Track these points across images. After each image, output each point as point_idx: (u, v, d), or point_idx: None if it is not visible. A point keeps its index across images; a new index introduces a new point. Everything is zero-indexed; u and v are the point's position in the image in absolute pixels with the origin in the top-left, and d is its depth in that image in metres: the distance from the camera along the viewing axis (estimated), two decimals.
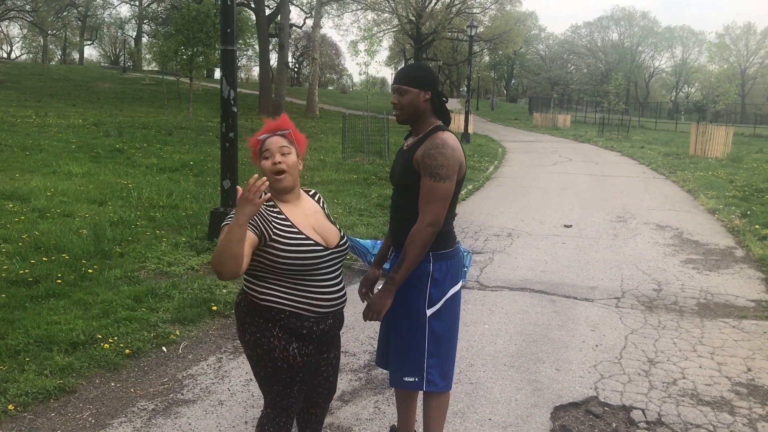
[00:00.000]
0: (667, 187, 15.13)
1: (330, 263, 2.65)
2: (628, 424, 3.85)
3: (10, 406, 3.76)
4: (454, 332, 3.11)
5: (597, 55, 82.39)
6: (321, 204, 2.86)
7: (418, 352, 2.99)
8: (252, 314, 2.61)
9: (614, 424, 3.85)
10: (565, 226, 9.96)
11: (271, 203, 2.63)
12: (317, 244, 2.58)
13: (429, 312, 2.97)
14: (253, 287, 2.61)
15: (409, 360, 3.01)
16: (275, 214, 2.58)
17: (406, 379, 3.04)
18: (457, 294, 3.08)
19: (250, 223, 2.45)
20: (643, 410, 4.01)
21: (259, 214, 2.51)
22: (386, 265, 3.64)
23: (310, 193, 2.88)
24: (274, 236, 2.51)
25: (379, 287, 2.95)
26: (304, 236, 2.56)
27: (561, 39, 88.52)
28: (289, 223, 2.57)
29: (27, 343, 4.56)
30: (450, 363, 3.10)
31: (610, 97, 40.02)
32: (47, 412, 3.81)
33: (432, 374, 3.02)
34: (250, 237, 2.44)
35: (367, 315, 2.90)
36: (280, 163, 2.61)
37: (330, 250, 2.63)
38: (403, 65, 67.69)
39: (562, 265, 7.60)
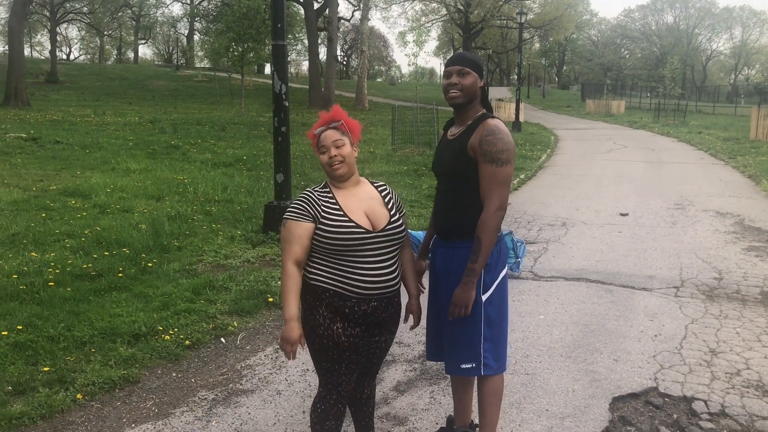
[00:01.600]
0: (726, 173, 14.67)
1: (375, 246, 2.74)
2: (690, 416, 3.76)
3: (79, 395, 3.90)
4: (505, 315, 3.14)
5: (651, 39, 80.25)
6: (383, 194, 2.92)
7: (475, 338, 3.01)
8: (304, 292, 2.78)
9: (675, 416, 3.77)
10: (621, 214, 9.77)
11: (326, 189, 2.82)
12: (359, 226, 2.71)
13: (484, 297, 2.99)
14: (306, 266, 2.79)
15: (466, 347, 3.03)
16: (327, 199, 2.78)
17: (464, 366, 3.05)
18: (505, 278, 3.11)
19: (304, 213, 2.72)
20: (705, 401, 3.92)
21: (311, 199, 2.75)
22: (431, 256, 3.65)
23: (376, 184, 2.96)
24: (322, 219, 2.71)
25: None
26: (347, 218, 2.71)
27: (613, 23, 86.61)
28: (338, 207, 2.74)
29: (92, 335, 4.71)
30: (503, 345, 3.13)
31: (665, 82, 39.01)
32: (113, 401, 3.93)
33: (488, 358, 3.04)
34: (307, 226, 2.71)
35: (454, 311, 2.90)
36: (335, 156, 2.78)
37: (373, 233, 2.73)
38: (452, 54, 67.43)
39: (619, 254, 7.46)
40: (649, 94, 53.42)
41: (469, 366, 3.05)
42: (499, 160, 2.85)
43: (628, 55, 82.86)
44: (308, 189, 2.84)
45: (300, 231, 2.70)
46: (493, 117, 2.98)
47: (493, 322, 3.03)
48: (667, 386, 4.13)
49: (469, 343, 3.02)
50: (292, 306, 2.68)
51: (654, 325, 5.21)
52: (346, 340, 2.76)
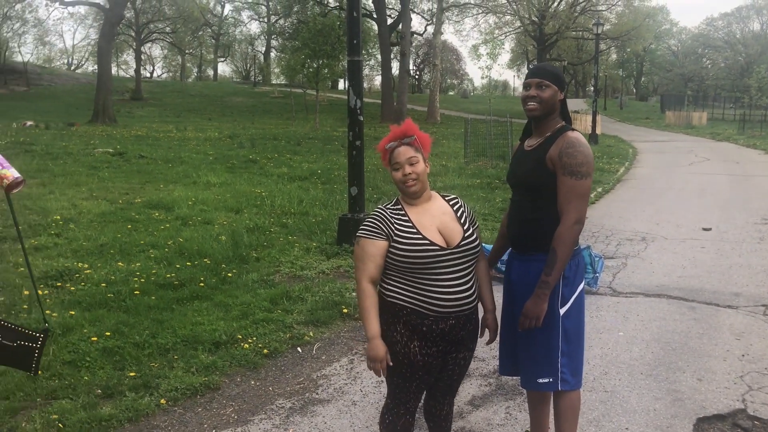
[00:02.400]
0: None
1: (450, 263, 2.71)
2: None
3: (162, 400, 4.05)
4: (582, 329, 3.09)
5: (736, 48, 77.18)
6: (456, 208, 2.90)
7: (552, 352, 2.97)
8: (382, 309, 2.76)
9: None
10: (704, 229, 9.42)
11: (399, 206, 2.81)
12: (433, 243, 2.69)
13: (562, 311, 2.95)
14: (383, 284, 2.79)
15: (543, 361, 2.99)
16: (399, 216, 2.76)
17: (540, 380, 3.01)
18: (582, 292, 3.06)
19: (377, 231, 2.72)
20: None
21: (384, 217, 2.74)
22: (500, 266, 3.64)
23: (448, 198, 2.94)
24: (395, 237, 2.70)
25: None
26: (421, 236, 2.69)
27: (695, 33, 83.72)
28: (411, 224, 2.73)
29: (175, 342, 4.88)
30: (580, 360, 3.08)
31: (751, 92, 37.53)
32: (194, 407, 4.06)
33: (565, 373, 2.99)
34: (381, 245, 2.71)
35: (525, 323, 2.88)
36: (409, 174, 2.76)
37: (448, 250, 2.70)
38: (526, 67, 66.50)
39: (702, 270, 7.20)
40: (732, 105, 51.38)
41: (546, 380, 3.01)
42: (579, 173, 2.81)
43: (710, 65, 79.95)
44: (380, 206, 2.83)
45: (373, 249, 2.70)
46: (573, 129, 2.95)
47: (570, 336, 2.99)
48: (757, 408, 3.95)
49: (547, 357, 2.98)
50: (374, 324, 2.69)
51: (741, 345, 5.00)
52: (421, 359, 2.75)
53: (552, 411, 3.26)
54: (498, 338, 3.22)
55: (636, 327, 5.43)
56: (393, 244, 2.69)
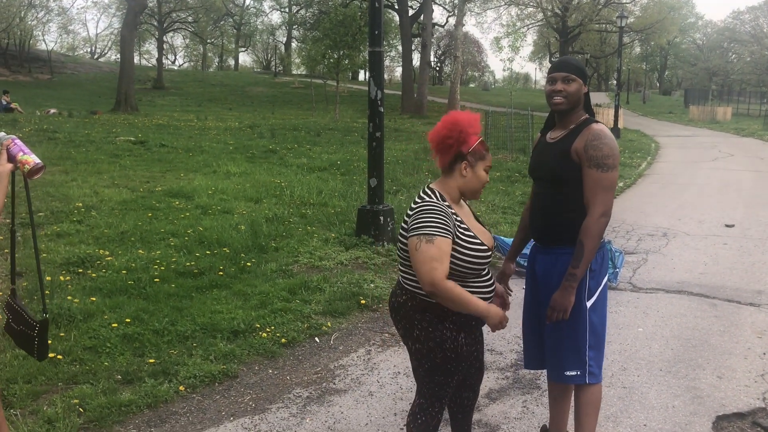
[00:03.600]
0: None
1: (488, 263, 2.74)
2: None
3: (181, 387, 4.08)
4: (605, 323, 3.10)
5: (762, 42, 75.86)
6: (470, 208, 2.92)
7: (581, 345, 2.98)
8: (423, 312, 2.67)
9: None
10: (727, 225, 9.31)
11: (447, 204, 2.67)
12: (483, 244, 2.67)
13: (588, 304, 2.96)
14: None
15: (571, 354, 2.99)
16: (455, 216, 2.65)
17: (568, 373, 3.01)
18: (605, 285, 3.06)
19: (450, 228, 2.57)
20: None
21: (448, 215, 2.60)
22: (519, 259, 3.63)
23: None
24: (457, 239, 2.60)
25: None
26: (479, 241, 2.65)
27: (721, 26, 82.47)
28: (466, 227, 2.66)
29: (194, 330, 4.92)
30: (603, 354, 3.09)
31: None
32: (213, 394, 4.09)
33: (592, 366, 3.00)
34: (449, 243, 2.56)
35: (553, 315, 2.88)
36: (487, 180, 2.79)
37: (491, 252, 2.71)
38: (548, 59, 65.95)
39: (724, 267, 7.12)
40: (759, 101, 50.60)
41: (573, 373, 3.01)
42: (605, 165, 2.80)
43: (735, 59, 78.72)
44: (436, 202, 2.63)
45: (448, 248, 2.55)
46: (597, 122, 2.93)
47: (596, 329, 3.00)
48: None
49: (575, 350, 2.98)
50: (479, 301, 2.61)
51: (762, 343, 4.94)
52: (466, 350, 2.73)
53: (572, 406, 3.25)
54: (522, 332, 3.23)
55: (656, 323, 5.38)
56: (454, 246, 2.58)
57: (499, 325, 2.67)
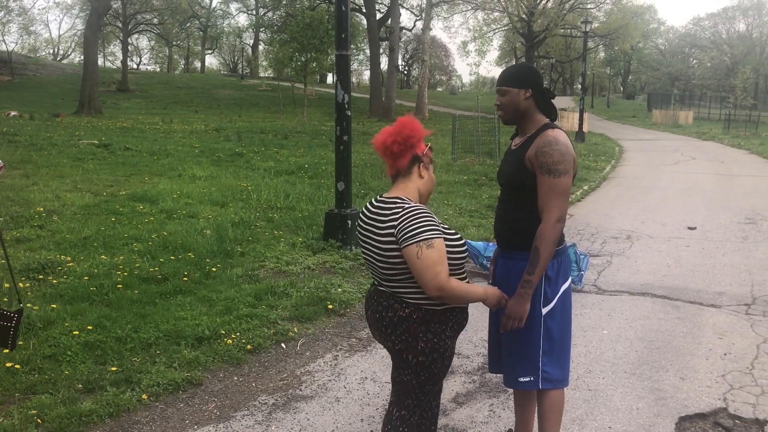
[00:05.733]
0: None
1: None
2: None
3: (144, 396, 4.01)
4: (568, 329, 3.09)
5: (722, 48, 77.62)
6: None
7: (533, 351, 2.98)
8: (428, 323, 2.63)
9: None
10: (689, 228, 9.48)
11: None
12: (461, 238, 2.69)
13: (544, 311, 2.95)
14: (425, 297, 2.62)
15: (525, 360, 3.00)
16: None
17: (522, 379, 3.02)
18: (568, 290, 3.05)
19: (438, 228, 2.56)
20: None
21: (434, 215, 2.62)
22: (485, 262, 3.65)
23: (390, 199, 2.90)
24: (445, 237, 2.59)
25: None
26: (459, 235, 2.68)
27: (682, 32, 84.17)
28: (447, 225, 2.69)
29: (157, 337, 4.83)
30: (565, 359, 3.08)
31: (736, 92, 37.81)
32: (176, 402, 4.02)
33: (547, 372, 3.00)
34: (444, 243, 2.55)
35: (508, 323, 2.86)
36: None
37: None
38: (513, 64, 66.62)
39: (686, 269, 7.24)
40: (719, 105, 51.73)
41: (527, 379, 3.01)
42: (557, 171, 2.81)
43: (696, 65, 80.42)
44: (417, 204, 2.62)
45: (445, 248, 2.54)
46: (554, 127, 2.93)
47: (553, 335, 2.99)
48: (738, 408, 3.97)
49: (528, 356, 2.98)
50: (477, 287, 2.69)
51: (723, 344, 5.03)
52: (454, 353, 2.79)
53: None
54: (488, 335, 3.25)
55: (620, 325, 5.44)
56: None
57: (497, 303, 2.77)
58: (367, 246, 2.68)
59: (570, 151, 2.86)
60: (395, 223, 2.54)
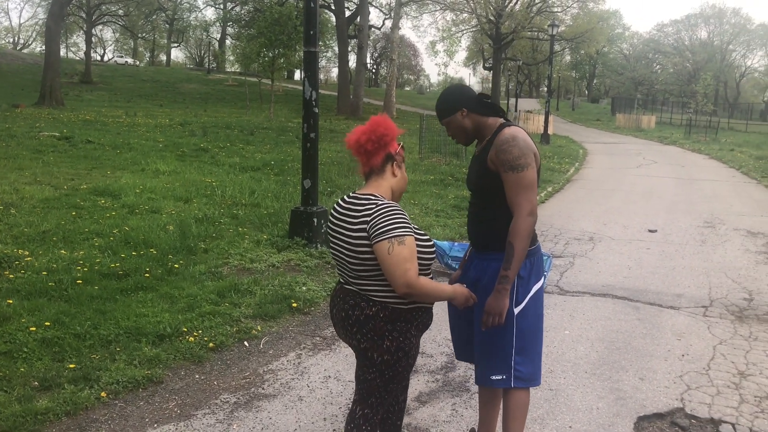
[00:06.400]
0: (759, 192, 14.44)
1: None
2: None
3: (103, 393, 3.93)
4: (539, 328, 3.12)
5: (684, 54, 79.18)
6: None
7: (506, 350, 3.00)
8: (394, 321, 2.64)
9: None
10: (650, 230, 9.64)
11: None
12: (430, 239, 2.71)
13: (516, 310, 2.97)
14: (393, 295, 2.63)
15: (497, 358, 3.02)
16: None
17: (494, 377, 3.04)
18: (540, 290, 3.08)
19: (410, 226, 2.58)
20: (733, 425, 3.84)
21: (405, 213, 2.62)
22: (451, 262, 3.67)
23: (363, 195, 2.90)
24: (416, 237, 2.60)
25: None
26: (428, 236, 2.70)
27: (646, 38, 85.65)
28: (416, 226, 2.69)
29: (118, 334, 4.75)
30: (537, 359, 3.11)
31: (697, 98, 38.60)
32: (136, 400, 3.96)
33: (519, 371, 3.02)
34: (414, 241, 2.58)
35: (488, 320, 2.87)
36: None
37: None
38: (482, 65, 66.90)
39: (647, 271, 7.36)
40: (681, 110, 52.80)
41: (499, 377, 3.03)
42: (519, 165, 2.84)
43: (660, 70, 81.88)
44: (390, 202, 2.62)
45: (415, 246, 2.55)
46: (510, 125, 2.97)
47: (525, 334, 3.02)
48: (694, 407, 4.05)
49: (500, 354, 3.01)
50: (445, 286, 2.73)
51: (681, 345, 5.12)
52: (418, 352, 2.81)
53: (501, 410, 3.28)
54: (450, 333, 3.29)
55: (582, 326, 5.52)
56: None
57: (465, 303, 2.77)
58: (336, 242, 2.68)
59: (529, 145, 2.89)
60: (368, 218, 2.55)
